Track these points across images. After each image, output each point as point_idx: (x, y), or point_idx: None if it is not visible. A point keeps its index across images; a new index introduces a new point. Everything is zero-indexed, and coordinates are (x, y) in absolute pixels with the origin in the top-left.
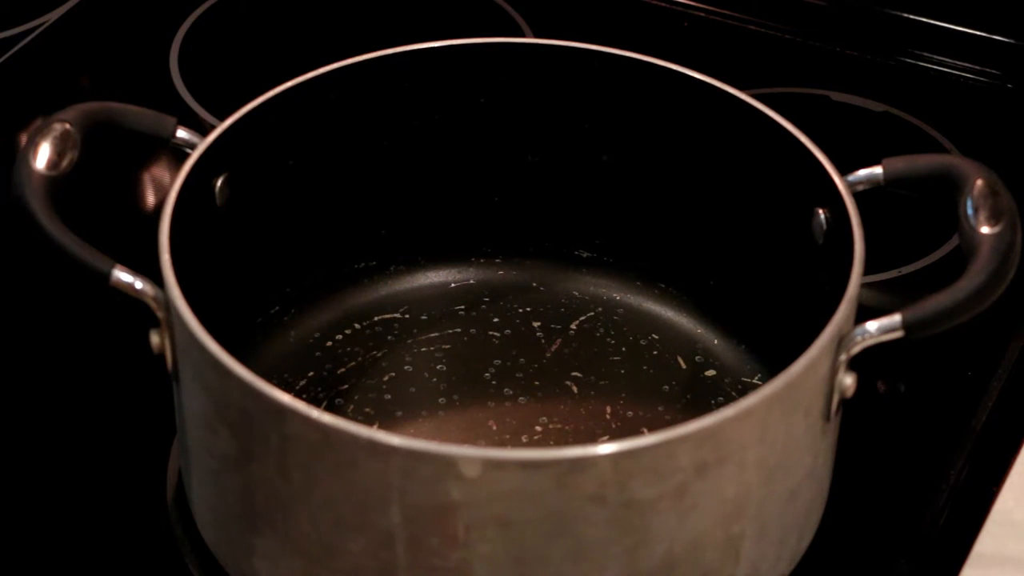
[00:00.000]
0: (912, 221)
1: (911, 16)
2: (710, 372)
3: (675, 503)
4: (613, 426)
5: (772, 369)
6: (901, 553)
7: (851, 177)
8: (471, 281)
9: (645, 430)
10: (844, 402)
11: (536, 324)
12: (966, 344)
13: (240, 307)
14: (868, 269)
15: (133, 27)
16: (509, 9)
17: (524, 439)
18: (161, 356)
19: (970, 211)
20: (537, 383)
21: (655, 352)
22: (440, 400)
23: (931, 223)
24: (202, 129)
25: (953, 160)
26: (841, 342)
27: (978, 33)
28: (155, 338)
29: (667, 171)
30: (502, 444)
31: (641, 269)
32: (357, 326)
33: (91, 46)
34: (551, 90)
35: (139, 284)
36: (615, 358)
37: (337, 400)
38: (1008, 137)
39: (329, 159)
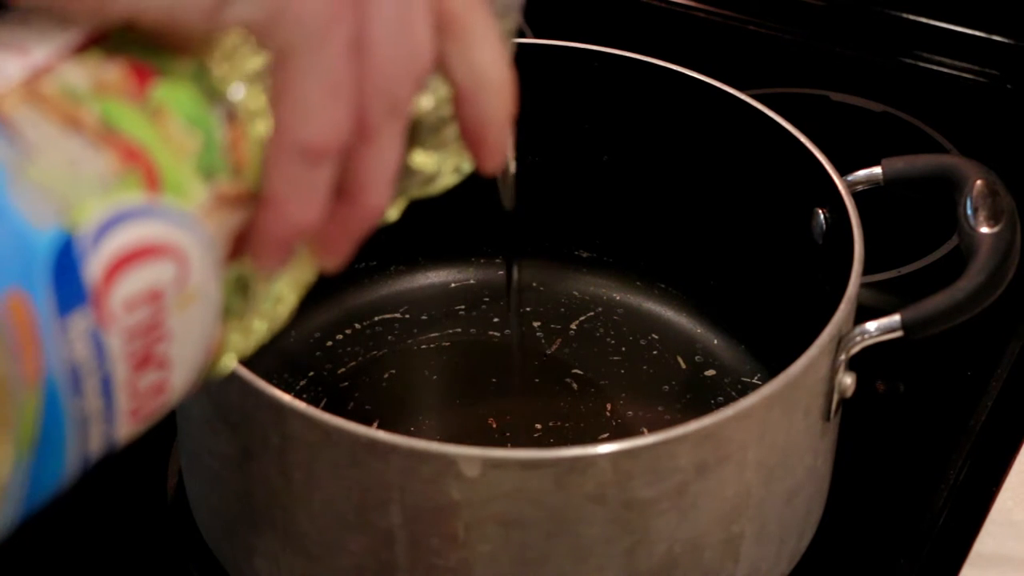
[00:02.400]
0: (912, 221)
1: (911, 16)
2: (710, 372)
3: (675, 503)
4: (613, 425)
5: (772, 369)
6: (901, 553)
7: (851, 177)
8: (471, 281)
9: (645, 430)
10: (844, 402)
11: (536, 324)
12: (966, 344)
13: None
14: (868, 269)
15: None
16: None
17: (524, 439)
18: None
19: (970, 211)
20: (537, 383)
21: (655, 352)
22: (440, 400)
23: (931, 223)
24: None
25: (952, 160)
26: (841, 342)
27: (978, 33)
28: None
29: (667, 171)
30: (502, 444)
31: (641, 269)
32: (357, 326)
33: None
34: (551, 90)
35: None
36: (615, 358)
37: (337, 400)
38: (1008, 137)
39: None
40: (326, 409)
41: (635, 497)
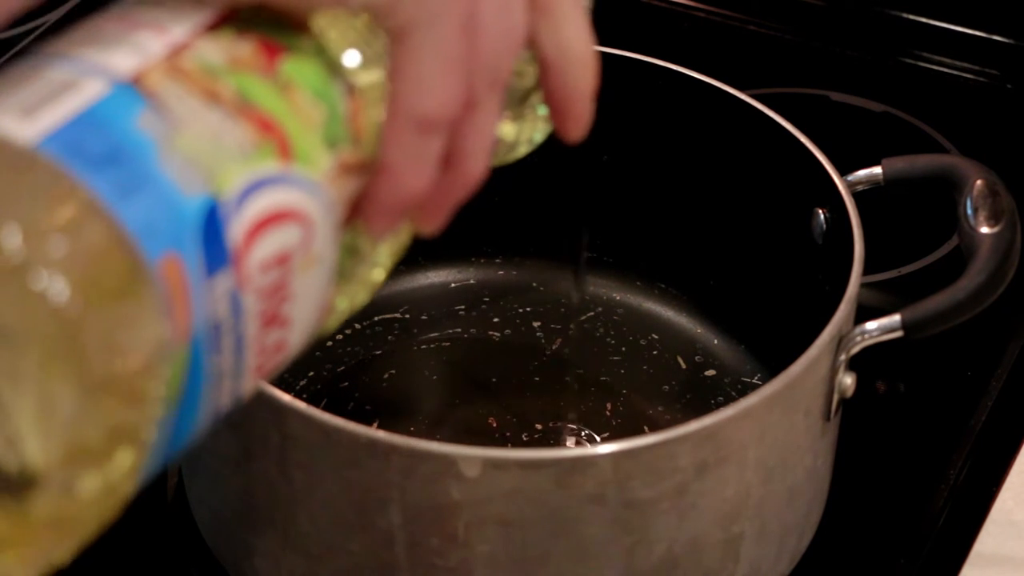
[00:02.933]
0: (912, 221)
1: (911, 16)
2: (710, 372)
3: (675, 503)
4: (613, 425)
5: (772, 369)
6: (901, 553)
7: (851, 177)
8: (471, 281)
9: (645, 430)
10: (844, 402)
11: (536, 324)
12: (966, 344)
13: None
14: (868, 269)
15: None
16: None
17: (524, 439)
18: None
19: (970, 211)
20: (537, 382)
21: (655, 352)
22: (440, 400)
23: (931, 223)
24: None
25: (953, 160)
26: (841, 342)
27: (978, 33)
28: None
29: (667, 171)
30: (502, 444)
31: (641, 269)
32: (357, 326)
33: None
34: None
35: None
36: (615, 358)
37: (337, 400)
38: (1008, 137)
39: None
40: (326, 409)
41: (635, 497)
